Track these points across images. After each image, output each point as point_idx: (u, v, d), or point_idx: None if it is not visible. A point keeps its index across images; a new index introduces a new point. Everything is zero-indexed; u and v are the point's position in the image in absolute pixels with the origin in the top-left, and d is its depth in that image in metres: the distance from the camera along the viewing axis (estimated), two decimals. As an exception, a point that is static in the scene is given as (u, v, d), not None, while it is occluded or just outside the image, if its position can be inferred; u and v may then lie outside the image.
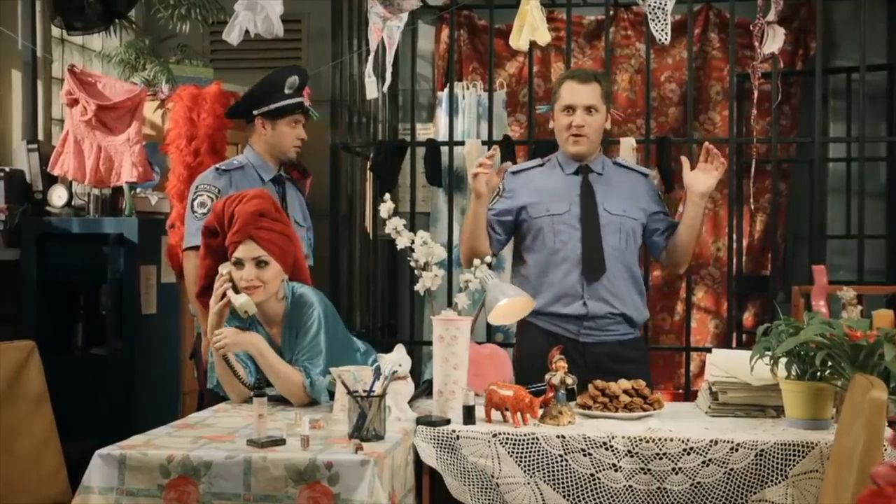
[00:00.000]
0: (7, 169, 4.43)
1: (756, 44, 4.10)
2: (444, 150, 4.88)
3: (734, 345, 4.76)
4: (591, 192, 3.40)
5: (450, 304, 4.03)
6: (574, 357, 3.25)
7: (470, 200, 3.40)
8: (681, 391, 4.91)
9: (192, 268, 3.53)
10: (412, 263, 2.93)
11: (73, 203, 4.50)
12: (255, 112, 3.69)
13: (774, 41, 4.00)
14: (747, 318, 5.74)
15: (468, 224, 3.41)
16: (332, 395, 2.92)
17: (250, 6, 3.90)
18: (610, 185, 3.44)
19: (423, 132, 5.62)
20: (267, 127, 3.69)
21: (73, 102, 4.37)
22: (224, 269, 2.99)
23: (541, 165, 3.54)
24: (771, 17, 4.02)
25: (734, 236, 4.84)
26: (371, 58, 4.07)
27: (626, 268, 3.42)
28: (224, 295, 2.94)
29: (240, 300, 2.93)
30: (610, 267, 3.36)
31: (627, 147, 4.51)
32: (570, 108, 3.38)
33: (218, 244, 3.06)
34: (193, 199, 3.59)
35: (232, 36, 4.02)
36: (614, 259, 3.38)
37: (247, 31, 4.16)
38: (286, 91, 3.68)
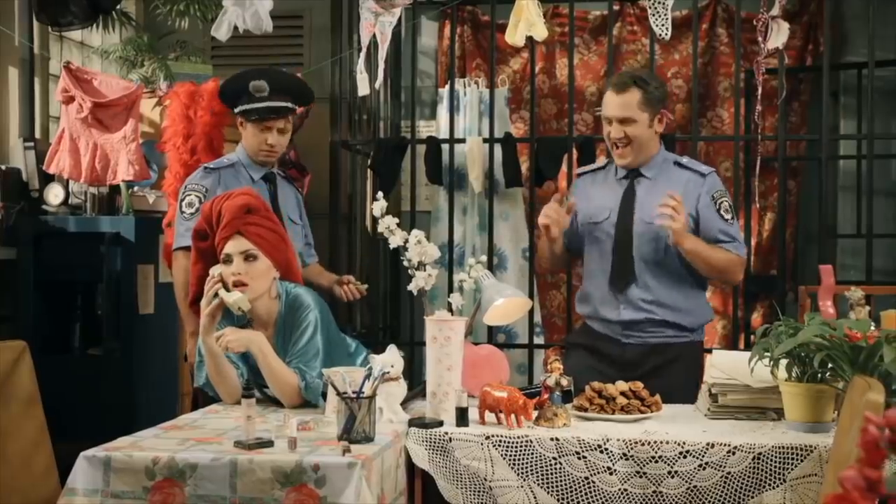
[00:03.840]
0: (3, 167, 4.41)
1: (760, 39, 4.04)
2: (445, 147, 4.83)
3: (741, 346, 4.70)
4: (632, 200, 3.33)
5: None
6: (615, 357, 3.31)
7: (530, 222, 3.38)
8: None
9: (180, 270, 3.50)
10: (405, 263, 2.88)
11: (69, 201, 4.48)
12: (234, 110, 3.62)
13: (779, 36, 3.95)
14: (756, 318, 5.67)
15: (545, 256, 3.49)
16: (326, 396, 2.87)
17: (239, 2, 3.85)
18: (657, 191, 3.27)
19: (426, 129, 5.57)
20: (243, 125, 3.61)
21: (69, 100, 4.35)
22: (215, 270, 2.95)
23: (602, 168, 3.51)
24: (775, 11, 3.96)
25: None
26: (363, 54, 4.03)
27: (668, 274, 3.30)
28: (216, 295, 2.90)
29: (232, 297, 2.88)
30: (646, 276, 3.29)
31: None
32: (609, 120, 3.32)
33: (208, 246, 3.01)
34: (182, 200, 3.55)
35: (221, 32, 3.99)
36: (651, 268, 3.30)
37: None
38: (254, 94, 3.52)
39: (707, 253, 3.24)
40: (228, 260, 2.94)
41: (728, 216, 3.33)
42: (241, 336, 2.90)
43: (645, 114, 3.27)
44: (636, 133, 3.28)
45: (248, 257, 2.94)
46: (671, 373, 3.25)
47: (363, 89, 4.08)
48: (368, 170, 5.05)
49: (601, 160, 3.66)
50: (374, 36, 4.03)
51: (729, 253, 3.30)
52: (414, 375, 4.40)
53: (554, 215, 3.23)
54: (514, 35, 3.70)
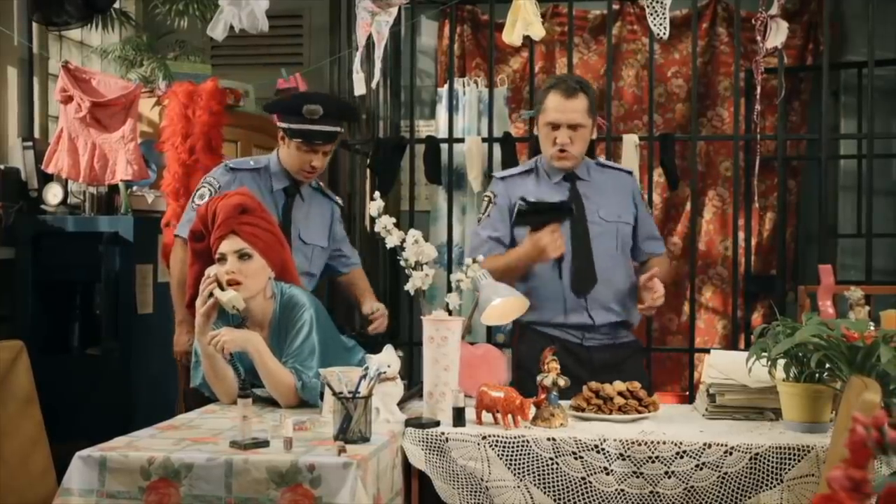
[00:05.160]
0: (2, 167, 4.41)
1: (759, 38, 4.03)
2: (445, 147, 4.82)
3: (742, 346, 4.70)
4: (580, 201, 3.36)
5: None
6: (582, 360, 3.31)
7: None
8: (687, 393, 4.85)
9: (177, 257, 3.52)
10: (402, 263, 2.88)
11: (68, 201, 4.47)
12: (278, 122, 3.53)
13: (778, 35, 3.93)
14: (756, 318, 5.66)
15: (507, 271, 3.28)
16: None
17: (235, 1, 3.84)
18: (600, 191, 3.38)
19: (426, 129, 5.57)
20: (284, 140, 3.51)
21: (68, 99, 4.34)
22: (211, 271, 2.94)
23: (527, 172, 3.47)
24: (774, 10, 3.95)
25: (740, 235, 4.77)
26: (359, 53, 4.02)
27: (625, 273, 3.40)
28: (211, 295, 2.89)
29: (227, 296, 2.87)
30: (608, 275, 3.33)
31: (630, 144, 4.44)
32: (553, 125, 3.30)
33: (204, 247, 3.01)
34: (196, 191, 3.55)
35: (217, 31, 3.98)
36: (612, 266, 3.35)
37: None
38: (305, 116, 3.43)
39: (666, 275, 3.45)
40: (223, 259, 2.94)
41: (649, 211, 3.62)
42: (237, 336, 2.89)
43: (590, 120, 3.33)
44: (582, 138, 3.31)
45: (243, 256, 2.94)
46: (631, 372, 3.25)
47: (359, 89, 4.07)
48: (367, 169, 5.04)
49: (527, 162, 3.64)
50: (371, 35, 4.02)
51: (664, 259, 3.57)
52: (413, 375, 4.39)
53: (560, 241, 3.21)
54: (512, 34, 3.70)
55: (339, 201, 3.77)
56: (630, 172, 3.59)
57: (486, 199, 3.45)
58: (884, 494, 0.81)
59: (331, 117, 3.45)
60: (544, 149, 3.38)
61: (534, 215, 3.21)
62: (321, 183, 3.72)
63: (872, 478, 0.85)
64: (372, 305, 3.58)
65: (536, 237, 3.19)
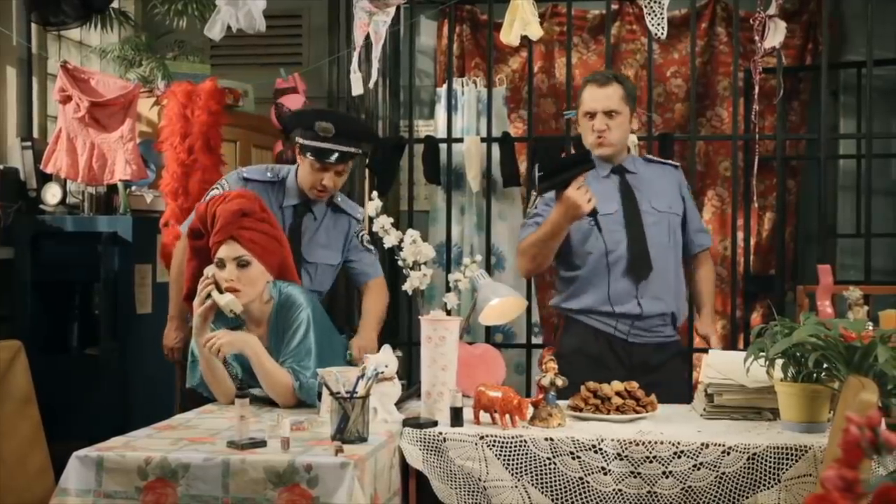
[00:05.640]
0: (1, 167, 4.41)
1: (757, 38, 4.03)
2: (444, 147, 4.82)
3: (741, 346, 4.69)
4: (631, 192, 3.41)
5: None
6: (621, 357, 3.32)
7: (541, 213, 3.31)
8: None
9: (178, 254, 3.55)
10: (399, 263, 2.87)
11: (67, 201, 4.47)
12: (297, 137, 3.43)
13: (776, 35, 3.93)
14: (755, 318, 5.66)
15: (545, 241, 3.27)
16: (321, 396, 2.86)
17: (232, 1, 3.84)
18: (649, 183, 3.44)
19: (425, 129, 5.56)
20: (301, 156, 3.44)
21: (66, 99, 4.34)
22: (209, 271, 2.94)
23: None
24: (772, 10, 3.95)
25: (739, 235, 4.77)
26: (356, 53, 4.02)
27: (675, 263, 3.44)
28: (208, 296, 2.89)
29: (224, 299, 2.88)
30: (660, 265, 3.36)
31: (630, 144, 4.43)
32: (590, 114, 3.38)
33: (203, 245, 3.01)
34: (208, 193, 3.51)
35: (214, 31, 3.98)
36: (664, 256, 3.39)
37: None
38: (318, 132, 3.35)
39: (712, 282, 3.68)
40: (221, 265, 2.93)
41: (695, 204, 3.69)
42: (234, 338, 2.89)
43: (627, 107, 3.39)
44: (619, 125, 3.38)
45: (241, 264, 2.92)
46: (670, 374, 3.27)
47: (357, 89, 4.06)
48: (366, 169, 5.04)
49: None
50: (369, 35, 4.01)
51: (710, 264, 3.69)
52: (412, 375, 4.39)
53: (588, 194, 3.17)
54: (509, 34, 3.69)
55: (359, 215, 3.63)
56: (677, 166, 3.63)
57: (534, 193, 3.44)
58: (876, 494, 0.81)
59: (345, 136, 3.36)
60: (585, 140, 3.45)
61: (554, 176, 3.19)
62: (340, 197, 3.59)
63: (865, 478, 0.85)
64: (358, 350, 3.34)
65: (564, 195, 3.16)
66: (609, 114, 3.36)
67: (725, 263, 5.67)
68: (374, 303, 3.58)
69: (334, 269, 3.58)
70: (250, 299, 2.95)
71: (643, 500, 2.52)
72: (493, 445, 2.60)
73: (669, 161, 3.73)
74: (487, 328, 4.52)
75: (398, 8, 4.20)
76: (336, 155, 3.34)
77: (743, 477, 2.48)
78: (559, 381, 2.73)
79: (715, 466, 2.49)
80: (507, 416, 2.66)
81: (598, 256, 3.35)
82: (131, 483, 2.33)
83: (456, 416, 2.68)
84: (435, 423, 2.69)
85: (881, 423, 0.93)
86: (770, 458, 2.47)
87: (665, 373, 3.23)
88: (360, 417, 2.48)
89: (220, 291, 2.89)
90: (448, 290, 3.08)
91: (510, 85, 5.71)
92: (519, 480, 2.58)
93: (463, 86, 5.38)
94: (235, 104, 4.76)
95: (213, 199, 3.02)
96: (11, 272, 4.36)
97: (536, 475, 2.57)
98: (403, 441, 2.65)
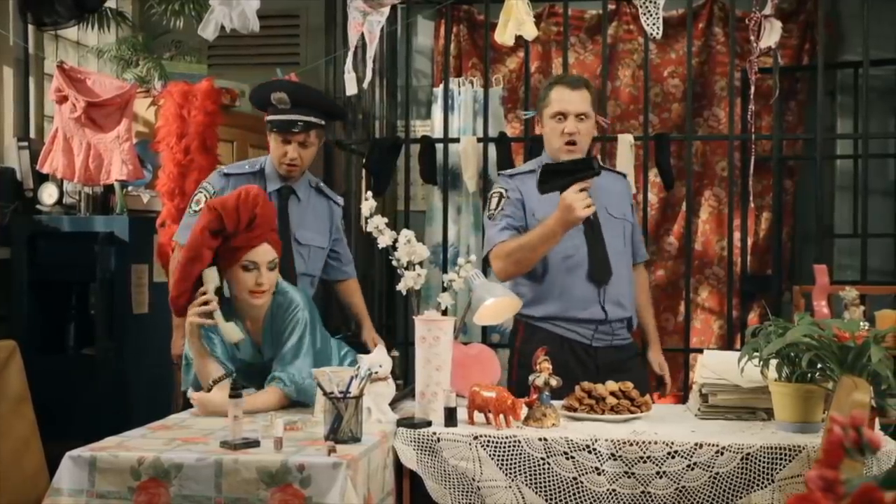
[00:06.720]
0: (-2, 167, 4.41)
1: (753, 38, 4.03)
2: (440, 147, 4.81)
3: (738, 346, 4.68)
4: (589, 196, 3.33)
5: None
6: (585, 361, 3.29)
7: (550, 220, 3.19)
8: (682, 392, 4.84)
9: (175, 263, 3.49)
10: (394, 263, 2.87)
11: (63, 201, 4.47)
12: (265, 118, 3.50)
13: (771, 35, 3.93)
14: (752, 318, 5.65)
15: (534, 245, 3.21)
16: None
17: (226, 1, 3.84)
18: (605, 189, 3.38)
19: (422, 129, 5.56)
20: (268, 136, 3.48)
21: (63, 99, 4.34)
22: (213, 282, 2.88)
23: (531, 172, 3.42)
24: (768, 10, 3.94)
25: (736, 235, 4.77)
26: (350, 53, 4.01)
27: (628, 270, 3.43)
28: (207, 306, 2.85)
29: (227, 329, 2.85)
30: (618, 270, 3.34)
31: (626, 144, 4.44)
32: (561, 115, 3.33)
33: (217, 245, 2.88)
34: (193, 197, 3.53)
35: (207, 31, 3.97)
36: (622, 261, 3.38)
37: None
38: (276, 105, 3.40)
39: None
40: (254, 268, 2.89)
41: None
42: (209, 407, 2.81)
43: (593, 113, 3.38)
44: (588, 130, 3.36)
45: (272, 267, 2.92)
46: (634, 374, 3.24)
47: (351, 89, 4.05)
48: (363, 169, 5.04)
49: (529, 163, 3.64)
50: (363, 35, 4.01)
51: (646, 276, 3.76)
52: (409, 375, 4.38)
53: (588, 200, 3.12)
54: (504, 34, 3.69)
55: (340, 201, 3.72)
56: (625, 176, 3.65)
57: (496, 195, 3.39)
58: (856, 494, 0.81)
59: (303, 106, 3.40)
60: (550, 143, 3.37)
61: (557, 178, 3.17)
62: (320, 182, 3.69)
63: (848, 478, 0.85)
64: (374, 342, 3.46)
65: (562, 196, 3.12)
66: (580, 116, 3.32)
67: (722, 263, 5.67)
68: (361, 301, 3.78)
69: (324, 253, 3.62)
70: (266, 301, 2.94)
71: (637, 500, 2.52)
72: (487, 445, 2.60)
73: (618, 170, 3.76)
74: (483, 328, 4.51)
75: (395, 8, 4.20)
76: (297, 126, 3.39)
77: (737, 477, 2.48)
78: (553, 382, 2.73)
79: (709, 466, 2.50)
80: (502, 416, 2.66)
81: (556, 261, 3.30)
82: (124, 483, 2.33)
83: (450, 417, 2.68)
84: (429, 424, 2.69)
85: (866, 423, 0.92)
86: (764, 458, 2.47)
87: (630, 374, 3.14)
88: (353, 417, 2.48)
89: (221, 301, 2.88)
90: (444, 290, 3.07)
91: (507, 85, 5.71)
92: (513, 480, 2.58)
93: (460, 86, 5.37)
94: (232, 104, 4.76)
95: (242, 198, 2.89)
96: (8, 272, 4.36)
97: (530, 475, 2.57)
98: (397, 441, 2.65)
